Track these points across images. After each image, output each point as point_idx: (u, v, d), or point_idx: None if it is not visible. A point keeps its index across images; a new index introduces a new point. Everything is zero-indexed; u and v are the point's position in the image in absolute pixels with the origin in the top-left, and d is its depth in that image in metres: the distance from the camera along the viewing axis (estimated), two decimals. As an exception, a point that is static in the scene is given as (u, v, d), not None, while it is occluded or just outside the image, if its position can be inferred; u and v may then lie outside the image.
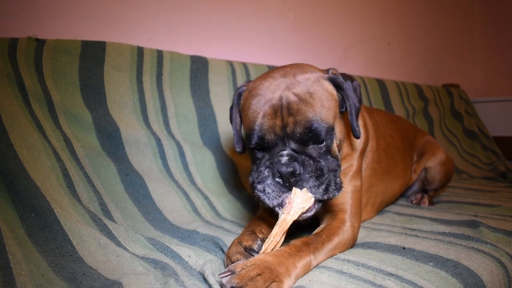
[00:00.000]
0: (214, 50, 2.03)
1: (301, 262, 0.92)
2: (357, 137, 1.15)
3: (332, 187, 0.99)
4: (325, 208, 1.20)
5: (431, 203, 1.77)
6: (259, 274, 0.82)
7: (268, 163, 1.00)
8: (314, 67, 1.13)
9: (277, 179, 0.98)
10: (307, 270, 0.95)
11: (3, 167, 1.01)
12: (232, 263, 0.94)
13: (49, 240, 0.95)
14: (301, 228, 1.30)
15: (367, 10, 2.85)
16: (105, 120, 1.39)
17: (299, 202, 0.95)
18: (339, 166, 1.06)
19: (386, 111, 1.95)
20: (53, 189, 1.07)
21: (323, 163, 1.00)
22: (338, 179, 1.02)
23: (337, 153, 1.07)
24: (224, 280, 0.81)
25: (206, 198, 1.50)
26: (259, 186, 0.99)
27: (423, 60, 3.34)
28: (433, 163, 1.84)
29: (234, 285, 0.79)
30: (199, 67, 1.72)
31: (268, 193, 0.98)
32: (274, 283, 0.82)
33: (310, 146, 1.01)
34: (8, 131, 1.08)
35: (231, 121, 1.23)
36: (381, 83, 2.59)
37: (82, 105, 1.37)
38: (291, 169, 0.95)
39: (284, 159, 0.97)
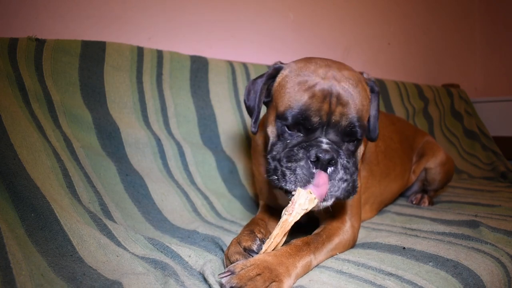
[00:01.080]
0: (214, 50, 2.03)
1: (301, 262, 0.92)
2: (374, 140, 1.20)
3: (351, 188, 0.99)
4: (325, 209, 1.20)
5: (431, 203, 1.77)
6: (259, 274, 0.82)
7: (305, 144, 0.97)
8: (352, 68, 1.14)
9: (310, 164, 0.94)
10: (307, 270, 0.95)
11: (3, 167, 1.01)
12: (231, 263, 0.94)
13: (49, 240, 0.95)
14: (301, 228, 1.30)
15: (367, 10, 2.85)
16: (105, 120, 1.39)
17: (302, 203, 0.93)
18: (356, 171, 1.06)
19: (385, 113, 1.95)
20: (53, 189, 1.07)
21: (350, 159, 1.00)
22: (357, 182, 1.02)
23: (358, 156, 1.09)
24: (223, 280, 0.81)
25: (206, 198, 1.50)
26: (290, 164, 0.96)
27: (423, 60, 3.34)
28: (433, 164, 1.84)
29: (233, 285, 0.79)
30: (199, 67, 1.72)
31: (298, 174, 0.95)
32: (273, 283, 0.82)
33: (345, 142, 1.02)
34: (8, 131, 1.08)
35: (248, 101, 1.18)
36: (381, 83, 2.59)
37: (82, 105, 1.37)
38: (329, 156, 0.93)
39: (325, 146, 0.96)
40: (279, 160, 0.99)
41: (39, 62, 1.32)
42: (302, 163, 0.95)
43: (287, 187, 0.97)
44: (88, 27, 1.65)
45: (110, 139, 1.38)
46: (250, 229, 1.09)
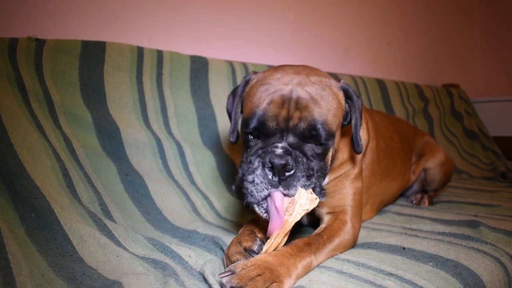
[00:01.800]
0: (214, 50, 2.03)
1: (302, 262, 0.92)
2: (359, 152, 1.15)
3: (318, 190, 0.98)
4: (326, 209, 1.20)
5: (431, 203, 1.77)
6: (259, 275, 0.82)
7: (260, 151, 0.97)
8: (326, 73, 1.13)
9: (267, 171, 0.94)
10: (308, 270, 0.95)
11: (3, 167, 1.01)
12: (232, 263, 0.94)
13: (49, 240, 0.95)
14: (300, 229, 1.30)
15: (367, 10, 2.85)
16: (105, 120, 1.39)
17: (303, 204, 0.93)
18: (326, 175, 1.05)
19: (385, 113, 1.95)
20: (53, 189, 1.07)
21: (315, 163, 0.98)
22: (323, 185, 1.02)
23: (329, 162, 1.07)
24: (224, 280, 0.81)
25: (206, 198, 1.50)
26: (250, 177, 0.95)
27: (423, 60, 3.34)
28: (433, 164, 1.84)
29: (234, 285, 0.79)
30: (199, 67, 1.72)
31: (257, 184, 0.93)
32: (274, 284, 0.82)
33: (307, 144, 1.00)
34: (8, 131, 1.08)
35: (228, 110, 1.20)
36: (381, 83, 2.59)
37: (82, 105, 1.37)
38: (283, 162, 0.92)
39: (279, 151, 0.94)
40: (242, 176, 0.98)
41: (39, 62, 1.32)
42: (258, 171, 0.94)
43: (250, 201, 0.95)
44: (88, 27, 1.65)
45: (110, 139, 1.38)
46: (250, 229, 1.09)
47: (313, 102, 0.99)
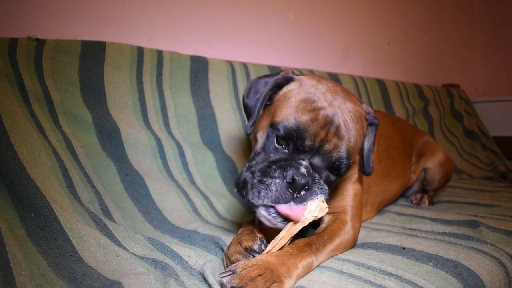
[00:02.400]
0: (214, 50, 2.03)
1: (302, 262, 0.92)
2: (368, 174, 1.16)
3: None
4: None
5: (431, 203, 1.77)
6: (260, 275, 0.82)
7: (283, 163, 0.95)
8: (356, 97, 1.12)
9: (286, 183, 0.92)
10: (309, 270, 0.95)
11: (3, 167, 1.01)
12: (232, 263, 0.94)
13: (49, 240, 0.95)
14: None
15: (367, 10, 2.85)
16: (105, 120, 1.39)
17: (312, 210, 0.92)
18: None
19: (386, 113, 1.95)
20: (53, 189, 1.07)
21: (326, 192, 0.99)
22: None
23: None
24: (224, 280, 0.81)
25: (206, 198, 1.50)
26: (265, 179, 0.93)
27: (423, 60, 3.34)
28: (432, 164, 1.84)
29: (234, 285, 0.79)
30: (199, 67, 1.72)
31: (272, 190, 0.92)
32: (274, 284, 0.82)
33: (327, 171, 1.00)
34: (8, 131, 1.08)
35: (250, 99, 1.13)
36: (381, 83, 2.59)
37: (82, 105, 1.37)
38: (304, 181, 0.92)
39: (303, 170, 0.94)
40: (253, 173, 0.96)
41: (39, 62, 1.32)
42: (278, 181, 0.92)
43: (254, 201, 0.94)
44: (88, 27, 1.65)
45: (110, 139, 1.38)
46: (249, 228, 1.09)
47: (348, 135, 0.99)
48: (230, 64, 1.84)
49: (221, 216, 1.47)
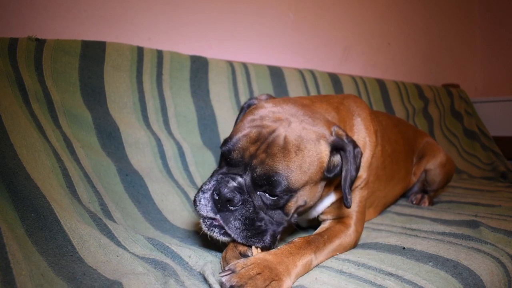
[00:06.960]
0: (214, 50, 2.03)
1: (301, 260, 0.93)
2: (348, 207, 1.03)
3: (268, 240, 0.96)
4: (331, 217, 1.20)
5: (431, 203, 1.77)
6: (259, 273, 0.82)
7: (220, 177, 0.98)
8: (326, 119, 1.07)
9: (215, 196, 0.94)
10: (308, 269, 0.95)
11: (3, 167, 1.01)
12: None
13: (49, 240, 0.95)
14: (299, 230, 1.30)
15: (367, 10, 2.85)
16: (105, 120, 1.39)
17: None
18: (284, 222, 1.00)
19: (388, 114, 1.95)
20: (53, 189, 1.07)
21: (262, 215, 0.95)
22: (268, 238, 0.96)
23: (291, 212, 1.00)
24: (224, 279, 0.81)
25: (206, 198, 1.50)
26: (200, 194, 0.98)
27: (423, 60, 3.34)
28: (433, 165, 1.84)
29: (234, 284, 0.79)
30: (199, 67, 1.72)
31: (202, 205, 0.96)
32: (273, 282, 0.82)
33: (260, 192, 0.96)
34: (8, 131, 1.08)
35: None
36: (381, 83, 2.59)
37: (82, 105, 1.37)
38: (230, 196, 0.92)
39: (232, 184, 0.94)
40: (201, 187, 1.00)
41: (39, 62, 1.32)
42: (207, 194, 0.97)
43: (196, 212, 0.99)
44: (88, 27, 1.65)
45: (110, 139, 1.38)
46: None
47: (283, 153, 0.93)
48: (230, 64, 1.84)
49: (221, 216, 1.47)
